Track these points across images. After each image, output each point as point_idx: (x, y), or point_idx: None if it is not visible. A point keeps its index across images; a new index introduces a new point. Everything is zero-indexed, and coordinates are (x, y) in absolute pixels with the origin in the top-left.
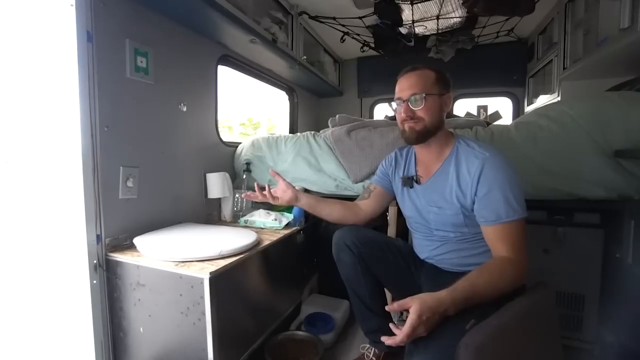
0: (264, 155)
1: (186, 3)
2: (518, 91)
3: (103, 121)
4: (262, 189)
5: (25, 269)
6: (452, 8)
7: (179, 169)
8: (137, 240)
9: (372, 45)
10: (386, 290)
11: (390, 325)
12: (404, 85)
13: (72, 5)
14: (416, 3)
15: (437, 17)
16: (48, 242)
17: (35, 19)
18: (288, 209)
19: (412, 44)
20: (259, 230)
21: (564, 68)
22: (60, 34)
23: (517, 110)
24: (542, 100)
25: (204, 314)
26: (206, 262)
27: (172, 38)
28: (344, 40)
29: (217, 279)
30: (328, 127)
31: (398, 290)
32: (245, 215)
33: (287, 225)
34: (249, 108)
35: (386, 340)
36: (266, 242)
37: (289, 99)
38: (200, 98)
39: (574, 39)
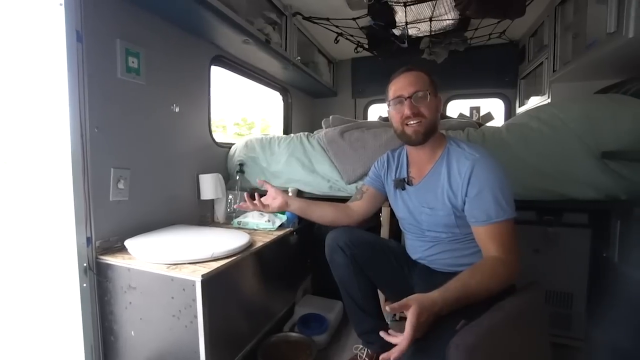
0: (257, 156)
1: (178, 3)
2: (510, 92)
3: (93, 122)
4: (252, 197)
5: (13, 273)
6: (445, 10)
7: (171, 170)
8: (128, 243)
9: (366, 46)
10: (379, 291)
11: (382, 333)
12: (404, 84)
13: (61, 4)
14: (409, 5)
15: (430, 19)
16: (37, 245)
17: (23, 18)
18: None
19: (405, 45)
20: (252, 231)
21: (554, 70)
22: (49, 33)
23: (509, 112)
24: (533, 101)
25: (196, 316)
26: (198, 264)
27: (165, 38)
28: (337, 41)
29: (209, 282)
30: (322, 128)
31: (391, 291)
32: (238, 216)
33: (281, 227)
34: (244, 108)
35: (390, 355)
36: (259, 244)
37: (283, 100)
38: (193, 99)
39: (564, 41)
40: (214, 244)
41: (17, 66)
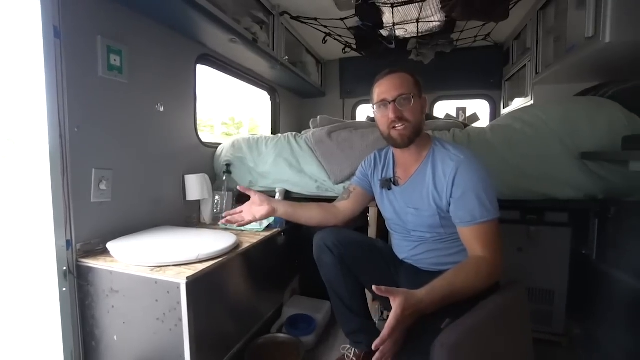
0: (244, 157)
1: (162, 1)
2: (495, 94)
3: (73, 122)
4: (239, 200)
5: None
6: (432, 12)
7: (156, 170)
8: (110, 245)
9: (354, 46)
10: (367, 291)
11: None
12: (388, 87)
13: None
14: (397, 6)
15: (417, 21)
16: (14, 249)
17: None
18: None
19: (393, 46)
20: (239, 232)
21: (536, 73)
22: (25, 29)
23: (494, 113)
24: (517, 103)
25: (180, 319)
26: (183, 266)
27: (148, 36)
28: (325, 41)
29: (195, 284)
30: (310, 128)
31: None
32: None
33: (268, 227)
34: (232, 107)
35: (374, 344)
36: (246, 245)
37: (271, 99)
38: (179, 98)
39: (546, 45)
40: (200, 245)
41: None
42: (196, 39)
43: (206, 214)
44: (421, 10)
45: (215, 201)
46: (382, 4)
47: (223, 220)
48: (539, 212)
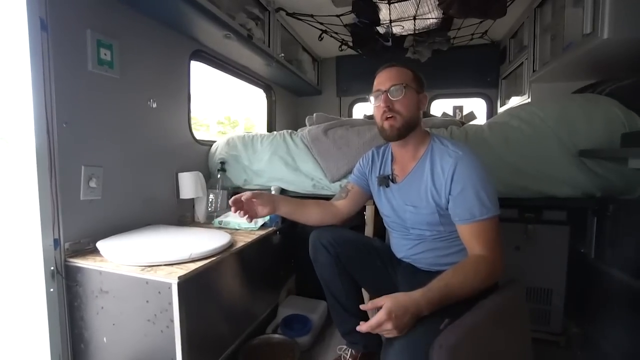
0: (239, 155)
1: None
2: (491, 92)
3: (61, 117)
4: (234, 200)
5: None
6: (429, 9)
7: (148, 168)
8: (100, 244)
9: (350, 44)
10: (363, 291)
11: (361, 323)
12: (384, 78)
13: None
14: (393, 3)
15: (414, 18)
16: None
17: None
18: None
19: (389, 43)
20: (233, 231)
21: (533, 70)
22: (9, 20)
23: (491, 111)
24: (514, 101)
25: (172, 320)
26: (175, 265)
27: (141, 30)
28: (322, 39)
29: (187, 284)
30: (306, 126)
31: (375, 290)
32: (219, 216)
33: (263, 226)
34: (228, 106)
35: (359, 327)
36: (241, 244)
37: (267, 97)
38: (172, 94)
39: (543, 42)
40: (193, 245)
41: None
42: (190, 34)
43: (200, 213)
44: (418, 7)
45: (210, 200)
46: (379, 0)
47: (231, 202)
48: (537, 211)
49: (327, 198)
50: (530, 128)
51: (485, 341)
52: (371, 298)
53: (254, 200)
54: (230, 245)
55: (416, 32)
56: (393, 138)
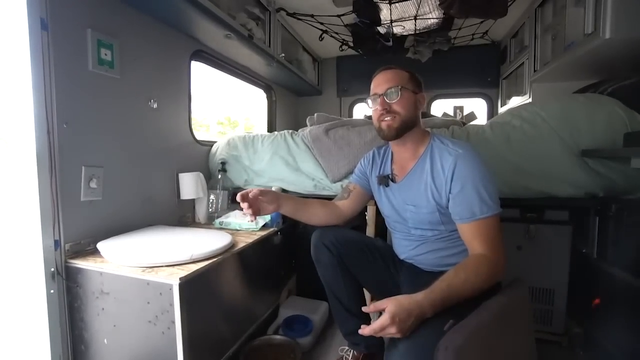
0: (240, 155)
1: None
2: (492, 92)
3: (62, 117)
4: (235, 198)
5: None
6: (429, 9)
7: (149, 168)
8: (101, 245)
9: (351, 44)
10: (365, 291)
11: (363, 327)
12: (380, 81)
13: None
14: (394, 3)
15: (415, 18)
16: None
17: None
18: None
19: (390, 43)
20: (234, 232)
21: (534, 70)
22: (9, 20)
23: (491, 111)
24: (515, 101)
25: (173, 322)
26: (176, 266)
27: (141, 30)
28: (322, 39)
29: (188, 285)
30: (307, 126)
31: (378, 291)
32: (220, 216)
33: (264, 226)
34: (228, 107)
35: (362, 330)
36: (242, 244)
37: (267, 97)
38: (173, 94)
39: (544, 42)
40: (194, 245)
41: None
42: (191, 34)
43: (201, 213)
44: (419, 7)
45: (210, 200)
46: (380, 0)
47: (239, 197)
48: (539, 210)
49: (328, 198)
50: (532, 128)
51: (491, 342)
52: (373, 299)
53: (260, 197)
54: (231, 246)
55: (417, 32)
56: (391, 137)
